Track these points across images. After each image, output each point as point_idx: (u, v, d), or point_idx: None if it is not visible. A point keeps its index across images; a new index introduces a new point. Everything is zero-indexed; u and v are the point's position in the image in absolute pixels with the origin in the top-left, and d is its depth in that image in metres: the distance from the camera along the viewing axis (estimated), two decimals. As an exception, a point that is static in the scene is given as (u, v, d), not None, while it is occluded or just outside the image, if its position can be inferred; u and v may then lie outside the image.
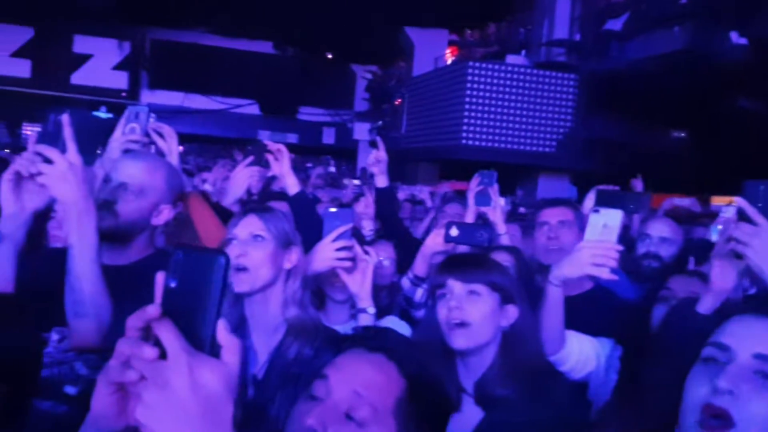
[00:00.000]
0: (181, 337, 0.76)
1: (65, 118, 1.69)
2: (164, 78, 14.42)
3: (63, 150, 1.68)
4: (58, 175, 1.65)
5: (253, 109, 14.87)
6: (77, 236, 1.70)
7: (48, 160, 1.66)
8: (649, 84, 7.67)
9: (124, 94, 14.40)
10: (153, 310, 0.77)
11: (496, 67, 9.84)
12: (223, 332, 0.79)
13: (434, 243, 2.64)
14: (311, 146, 14.63)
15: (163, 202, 2.12)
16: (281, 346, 1.87)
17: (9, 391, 1.53)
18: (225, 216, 2.68)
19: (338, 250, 2.22)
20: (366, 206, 4.36)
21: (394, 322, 2.47)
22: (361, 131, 14.29)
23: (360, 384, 1.11)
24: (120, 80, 14.50)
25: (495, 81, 9.71)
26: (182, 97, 14.08)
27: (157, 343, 0.76)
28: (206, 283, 0.78)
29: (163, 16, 13.40)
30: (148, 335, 0.78)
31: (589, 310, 2.37)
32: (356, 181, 8.28)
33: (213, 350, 0.78)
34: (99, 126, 1.87)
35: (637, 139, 8.74)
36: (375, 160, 3.37)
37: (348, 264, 2.24)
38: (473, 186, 3.18)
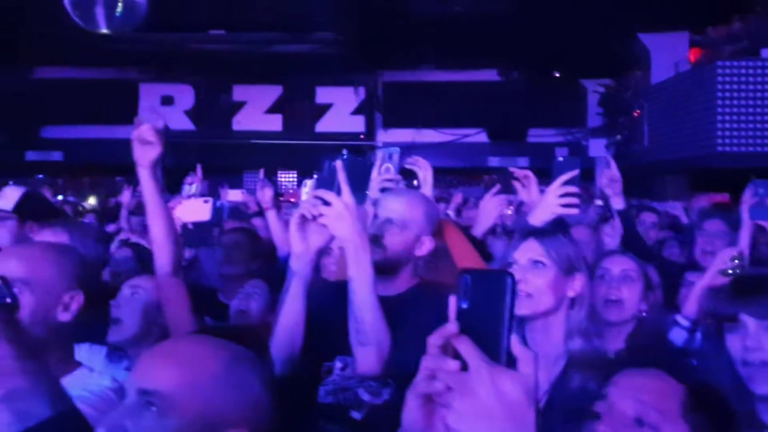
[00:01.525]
0: (479, 351, 0.83)
1: (338, 164, 1.84)
2: (397, 117, 15.18)
3: (338, 192, 1.83)
4: (337, 215, 1.80)
5: (482, 137, 15.01)
6: (356, 270, 1.83)
7: (327, 203, 1.82)
8: None
9: (362, 136, 15.41)
10: (451, 328, 0.85)
11: (750, 63, 8.92)
12: (517, 345, 0.84)
13: (712, 280, 2.41)
14: (543, 168, 14.30)
15: (424, 234, 2.22)
16: (563, 378, 1.82)
17: (292, 413, 1.68)
18: (477, 245, 2.72)
19: (563, 196, 2.21)
20: (614, 229, 4.14)
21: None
22: (596, 148, 13.72)
23: (641, 392, 1.15)
24: (358, 124, 15.54)
25: (750, 79, 8.80)
26: (414, 133, 14.67)
27: (457, 357, 0.84)
28: (496, 301, 0.85)
29: (393, 60, 14.17)
30: (447, 351, 0.85)
31: None
32: (599, 201, 7.91)
33: (509, 362, 0.84)
34: (363, 168, 2.02)
35: None
36: (609, 181, 3.20)
37: (574, 211, 2.22)
38: (747, 197, 2.87)
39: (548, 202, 2.30)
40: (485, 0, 10.34)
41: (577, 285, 1.89)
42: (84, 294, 1.64)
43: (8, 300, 0.86)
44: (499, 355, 0.84)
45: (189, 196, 3.76)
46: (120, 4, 9.60)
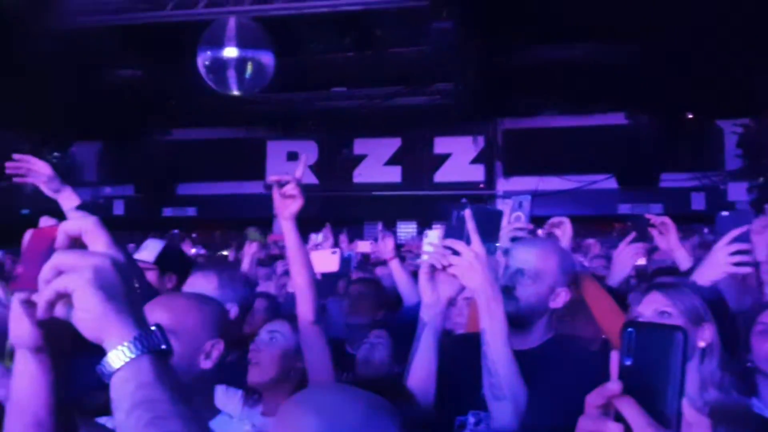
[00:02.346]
0: (645, 414, 0.75)
1: (467, 213, 1.80)
2: (518, 164, 14.99)
3: (468, 242, 1.79)
4: (467, 265, 1.76)
5: (610, 183, 14.46)
6: (489, 321, 1.77)
7: (456, 252, 1.78)
8: None
9: (482, 185, 15.32)
10: (614, 387, 0.78)
11: None
12: (690, 410, 0.77)
13: None
14: (678, 214, 13.58)
15: (559, 285, 2.14)
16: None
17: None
18: (615, 296, 2.59)
19: (734, 254, 2.03)
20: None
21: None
22: (736, 192, 12.86)
23: None
24: (477, 173, 15.48)
25: None
26: (537, 181, 14.40)
27: (619, 419, 0.77)
28: (664, 358, 0.78)
29: (512, 107, 14.09)
30: (608, 412, 0.79)
31: None
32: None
33: (679, 428, 0.76)
34: (492, 217, 1.97)
35: None
36: (762, 227, 2.93)
37: (747, 270, 2.05)
38: None
39: (717, 261, 2.13)
40: (608, 44, 10.11)
41: (706, 335, 1.81)
42: (224, 342, 1.70)
43: (163, 346, 0.87)
44: (668, 420, 0.76)
45: (316, 246, 3.86)
46: (249, 67, 10.22)
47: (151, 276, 2.98)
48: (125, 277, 0.86)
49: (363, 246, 6.25)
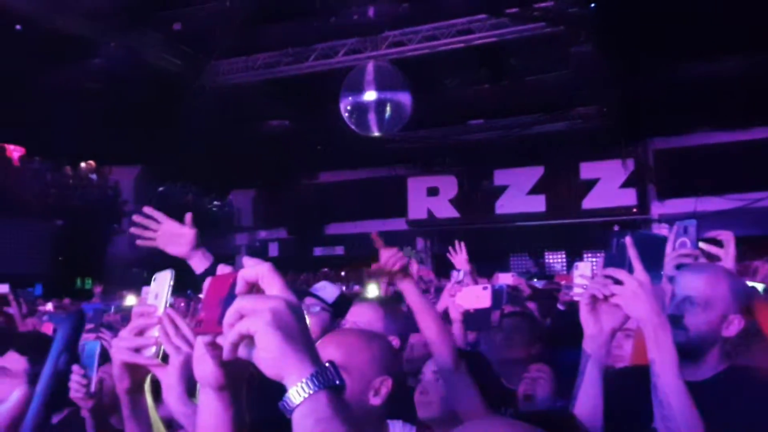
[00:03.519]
0: None
1: (628, 241, 1.73)
2: (672, 186, 14.17)
3: (630, 270, 1.72)
4: (630, 294, 1.69)
5: (779, 200, 13.30)
6: (657, 352, 1.69)
7: (618, 282, 1.71)
8: None
9: (635, 210, 14.62)
10: None
11: None
12: None
13: None
14: None
15: (732, 312, 1.99)
16: None
17: None
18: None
19: None
20: None
21: None
22: None
23: None
24: (628, 197, 14.79)
25: None
26: (694, 203, 13.52)
27: None
28: None
29: (662, 126, 13.39)
30: None
31: None
32: None
33: None
34: (655, 244, 1.87)
35: None
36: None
37: None
38: None
39: None
40: (762, 54, 9.41)
41: None
42: (392, 379, 1.73)
43: (337, 382, 0.91)
44: None
45: (457, 283, 3.84)
46: (389, 108, 10.52)
47: (324, 317, 3.13)
48: (300, 317, 0.92)
49: (504, 278, 6.16)
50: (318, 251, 17.59)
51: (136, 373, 1.23)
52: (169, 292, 1.16)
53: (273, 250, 17.97)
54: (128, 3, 9.41)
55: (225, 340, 0.92)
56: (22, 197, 13.54)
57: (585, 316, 1.77)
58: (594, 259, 10.23)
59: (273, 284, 0.95)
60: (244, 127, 13.33)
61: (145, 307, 1.19)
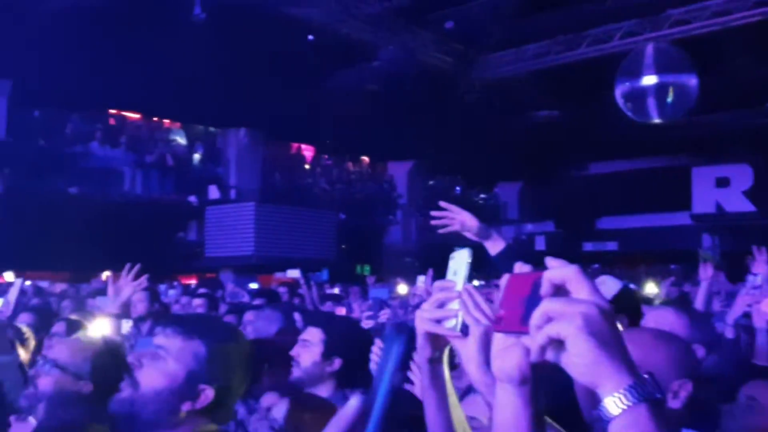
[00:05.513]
0: None
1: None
2: None
3: None
4: None
5: None
6: None
7: None
8: None
9: None
10: None
11: None
12: None
13: None
14: None
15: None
16: None
17: None
18: None
19: None
20: None
21: None
22: None
23: None
24: None
25: None
26: None
27: None
28: None
29: None
30: None
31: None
32: None
33: None
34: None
35: None
36: None
37: None
38: None
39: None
40: None
41: None
42: (693, 383, 1.61)
43: (658, 395, 0.83)
44: None
45: (755, 288, 3.33)
46: (671, 92, 9.69)
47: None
48: (612, 324, 0.85)
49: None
50: (588, 246, 16.97)
51: (436, 343, 1.27)
52: (467, 270, 1.18)
53: (540, 243, 17.74)
54: (402, 6, 9.90)
55: (533, 342, 0.89)
56: (313, 191, 15.18)
57: None
58: None
59: (581, 287, 0.89)
60: (511, 119, 13.34)
61: (446, 282, 1.22)
